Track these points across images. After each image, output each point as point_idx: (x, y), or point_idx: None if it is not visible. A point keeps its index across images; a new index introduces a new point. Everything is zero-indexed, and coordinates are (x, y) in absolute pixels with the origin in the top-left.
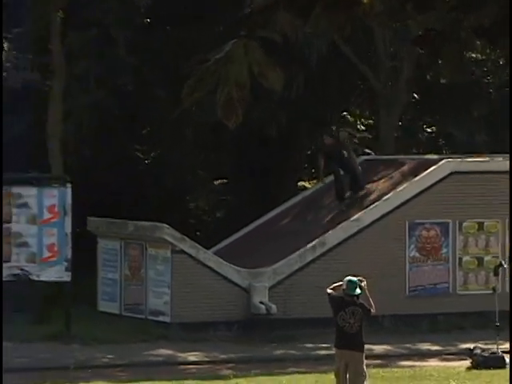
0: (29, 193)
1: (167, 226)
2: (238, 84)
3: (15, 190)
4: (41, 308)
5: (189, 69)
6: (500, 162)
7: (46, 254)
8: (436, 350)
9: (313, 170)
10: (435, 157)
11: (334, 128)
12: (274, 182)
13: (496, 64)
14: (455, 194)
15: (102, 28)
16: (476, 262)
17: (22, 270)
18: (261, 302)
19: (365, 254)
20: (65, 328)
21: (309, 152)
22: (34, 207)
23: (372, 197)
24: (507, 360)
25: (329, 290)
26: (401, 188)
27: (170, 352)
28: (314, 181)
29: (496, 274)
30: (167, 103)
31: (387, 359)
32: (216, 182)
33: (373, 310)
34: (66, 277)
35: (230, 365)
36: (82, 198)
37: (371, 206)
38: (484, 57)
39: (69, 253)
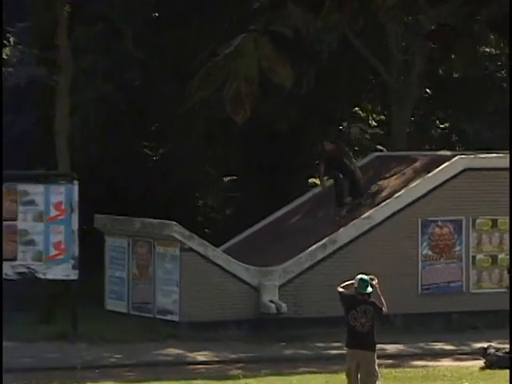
0: (35, 190)
1: (175, 223)
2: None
3: (21, 187)
4: (47, 307)
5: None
6: None
7: (53, 251)
8: (449, 350)
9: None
10: (448, 153)
11: (345, 124)
12: (284, 179)
13: (510, 58)
14: (468, 191)
15: (109, 22)
16: (490, 260)
17: (28, 268)
18: (271, 301)
19: (376, 252)
20: (71, 327)
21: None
22: (40, 204)
23: (384, 194)
24: None
25: (340, 289)
26: (413, 185)
27: (178, 351)
28: (325, 177)
29: (510, 271)
30: (175, 98)
31: (399, 359)
32: (225, 179)
33: (384, 309)
34: (73, 275)
35: (240, 364)
36: (89, 195)
37: (383, 204)
38: (498, 51)
39: (76, 251)
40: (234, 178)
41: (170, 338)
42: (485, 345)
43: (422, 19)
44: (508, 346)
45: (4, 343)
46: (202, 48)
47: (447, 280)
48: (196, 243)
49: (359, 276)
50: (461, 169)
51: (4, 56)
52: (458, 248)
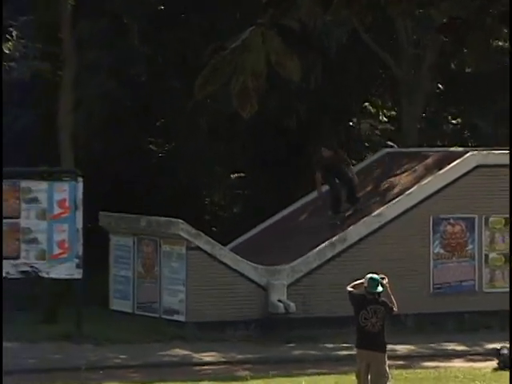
0: (38, 187)
1: (182, 221)
2: (254, 73)
3: (24, 184)
4: (50, 306)
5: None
6: None
7: (57, 250)
8: (461, 351)
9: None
10: (460, 149)
11: (354, 120)
12: (292, 176)
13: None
14: (481, 188)
15: (114, 17)
16: (503, 259)
17: (31, 267)
18: (279, 301)
19: (387, 250)
20: (75, 327)
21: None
22: (43, 202)
23: (395, 191)
24: None
25: (349, 288)
26: (424, 182)
27: (184, 352)
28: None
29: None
30: (181, 93)
31: (410, 360)
32: (232, 176)
33: (395, 309)
34: (77, 274)
35: (247, 365)
36: (93, 193)
37: (394, 201)
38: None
39: (80, 249)
40: (242, 175)
41: (176, 338)
42: (498, 345)
43: (432, 13)
44: None
45: (6, 344)
46: (210, 42)
47: (459, 279)
48: (203, 241)
49: (369, 275)
50: (473, 165)
51: (6, 50)
52: (470, 246)
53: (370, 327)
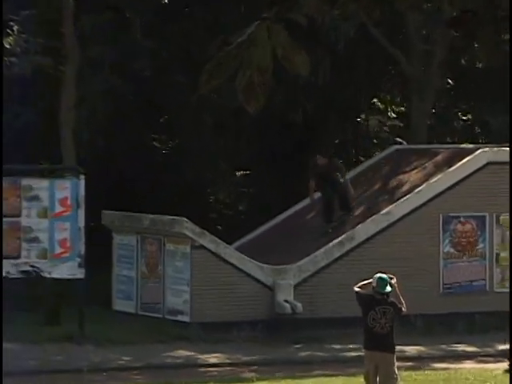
0: (40, 185)
1: (186, 219)
2: (259, 68)
3: (25, 181)
4: (52, 307)
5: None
6: None
7: (58, 249)
8: (472, 352)
9: (340, 161)
10: (471, 146)
11: (363, 116)
12: (299, 173)
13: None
14: (492, 186)
15: (116, 11)
16: None
17: (32, 266)
18: (286, 301)
19: (396, 249)
20: (78, 328)
21: (337, 141)
22: (45, 200)
23: (404, 189)
24: None
25: (356, 289)
26: (434, 179)
27: (189, 353)
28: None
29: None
30: (186, 89)
31: (420, 361)
32: (237, 174)
33: (404, 309)
34: (79, 274)
35: (253, 367)
36: (96, 190)
37: (403, 199)
38: None
39: (82, 248)
40: (247, 172)
41: (180, 339)
42: (509, 346)
43: (442, 7)
44: None
45: (7, 345)
46: (215, 36)
47: (470, 279)
48: (207, 240)
49: (378, 275)
50: (484, 162)
51: (7, 45)
52: (481, 245)
53: (379, 329)
